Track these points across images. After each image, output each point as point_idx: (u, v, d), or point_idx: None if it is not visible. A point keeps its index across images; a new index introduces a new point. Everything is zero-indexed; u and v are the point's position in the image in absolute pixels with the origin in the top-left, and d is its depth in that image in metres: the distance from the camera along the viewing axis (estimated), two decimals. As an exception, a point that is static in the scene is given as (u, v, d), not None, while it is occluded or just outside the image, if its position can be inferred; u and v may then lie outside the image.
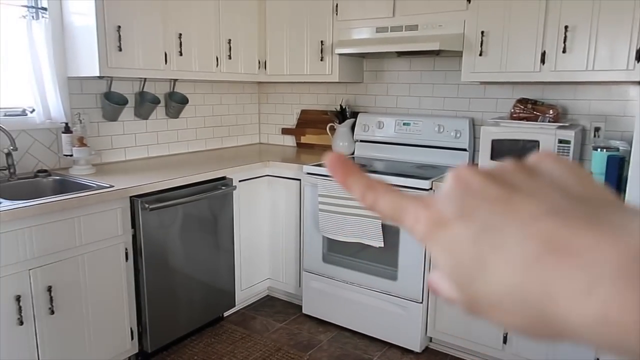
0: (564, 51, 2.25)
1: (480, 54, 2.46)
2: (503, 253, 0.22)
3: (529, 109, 2.47)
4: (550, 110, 2.42)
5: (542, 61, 2.31)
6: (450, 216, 0.24)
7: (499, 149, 2.48)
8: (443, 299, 0.26)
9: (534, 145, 2.37)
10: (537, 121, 2.42)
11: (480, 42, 2.46)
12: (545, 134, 2.34)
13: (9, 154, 2.28)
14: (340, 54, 2.97)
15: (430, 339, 2.64)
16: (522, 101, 2.51)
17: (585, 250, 0.20)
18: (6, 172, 2.30)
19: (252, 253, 3.01)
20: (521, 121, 2.45)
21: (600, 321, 0.19)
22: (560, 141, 2.31)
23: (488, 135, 2.50)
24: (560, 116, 2.46)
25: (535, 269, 0.20)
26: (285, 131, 3.73)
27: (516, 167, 0.26)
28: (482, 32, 2.45)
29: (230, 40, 3.05)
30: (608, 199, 0.23)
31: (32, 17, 2.41)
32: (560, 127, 2.33)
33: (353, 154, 3.27)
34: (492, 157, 2.50)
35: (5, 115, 2.39)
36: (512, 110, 2.53)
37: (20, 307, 1.89)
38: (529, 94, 2.62)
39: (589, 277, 0.19)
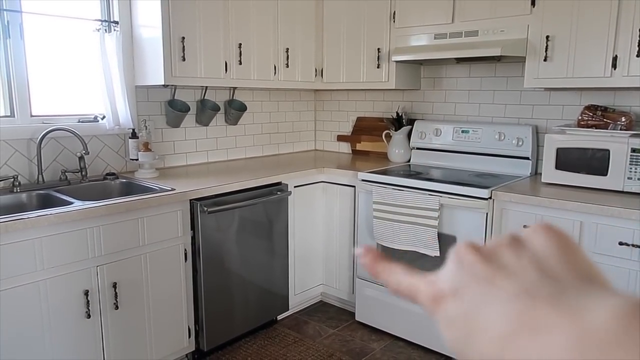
0: (638, 55, 2.11)
1: (545, 59, 2.36)
2: (486, 330, 0.24)
3: (599, 116, 2.34)
4: (623, 118, 2.29)
5: (614, 65, 2.19)
6: (446, 293, 0.27)
7: (565, 158, 2.36)
8: None
9: (603, 154, 2.24)
10: (607, 129, 2.29)
11: (545, 47, 2.36)
12: (616, 142, 2.21)
13: (81, 158, 2.44)
14: (397, 61, 2.95)
15: None
16: (591, 108, 2.38)
17: (545, 330, 0.22)
18: (79, 174, 2.46)
19: (306, 258, 3.03)
20: (590, 129, 2.33)
21: None
22: (634, 150, 2.17)
23: (553, 143, 2.39)
24: (633, 124, 2.31)
25: (510, 344, 0.23)
26: (340, 138, 3.74)
27: (507, 243, 0.28)
28: (547, 37, 2.35)
29: (287, 49, 3.10)
30: (586, 275, 0.25)
31: (105, 30, 2.57)
32: (633, 135, 2.19)
33: (409, 161, 3.22)
34: (557, 167, 2.39)
35: (79, 122, 2.55)
36: (580, 118, 2.40)
37: (88, 301, 2.00)
38: (599, 100, 2.48)
39: (545, 354, 0.21)
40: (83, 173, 2.47)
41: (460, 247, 0.28)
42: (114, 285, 2.08)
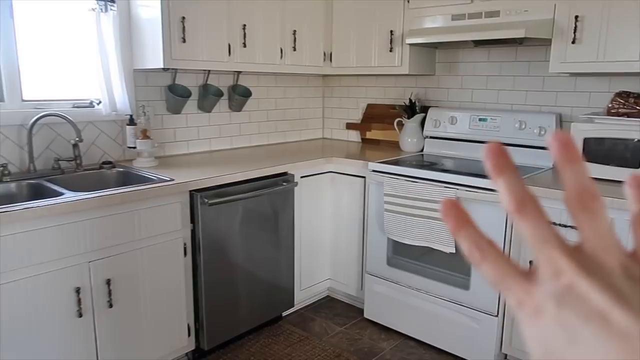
0: (678, 36, 1.93)
1: (574, 42, 2.18)
2: None
3: (631, 103, 2.16)
4: (657, 105, 2.10)
5: (650, 48, 2.00)
6: (548, 310, 0.25)
7: (593, 149, 2.19)
8: None
9: (636, 145, 2.07)
10: (640, 117, 2.11)
11: (573, 28, 2.17)
12: (650, 132, 2.03)
13: (75, 145, 2.30)
14: (411, 44, 2.77)
15: (505, 357, 2.39)
16: (623, 95, 2.20)
17: None
18: (73, 163, 2.32)
19: (313, 252, 2.89)
20: (621, 117, 2.15)
21: None
22: (670, 141, 1.99)
23: (580, 132, 2.22)
24: (669, 112, 2.13)
25: None
26: (350, 126, 3.57)
27: (623, 269, 0.24)
28: (576, 17, 2.17)
29: (295, 31, 2.93)
30: None
31: (101, 9, 2.41)
32: (669, 125, 2.01)
33: (422, 151, 3.06)
34: (584, 158, 2.21)
35: (74, 107, 2.41)
36: (610, 105, 2.22)
37: (79, 299, 1.88)
38: (630, 86, 2.30)
39: None
40: (77, 162, 2.33)
41: (554, 252, 0.25)
42: (108, 282, 1.95)
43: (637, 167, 2.08)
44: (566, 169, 0.27)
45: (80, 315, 1.89)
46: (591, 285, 0.24)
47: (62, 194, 1.91)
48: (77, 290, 1.87)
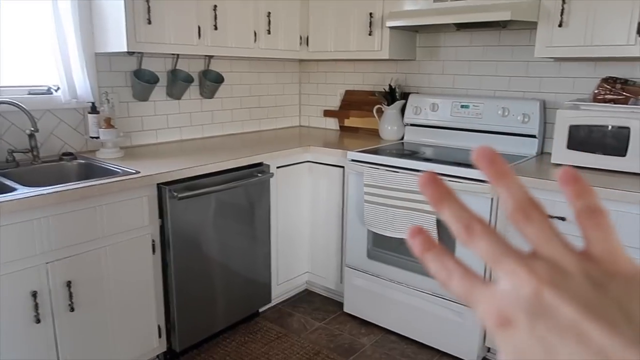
0: (668, 19, 1.86)
1: (560, 25, 2.09)
2: None
3: (618, 89, 2.10)
4: (645, 92, 2.04)
5: (639, 32, 1.93)
6: (520, 322, 0.24)
7: (578, 137, 2.12)
8: None
9: (622, 132, 2.00)
10: (627, 104, 2.05)
11: (560, 11, 2.09)
12: (638, 119, 1.96)
13: (31, 136, 2.12)
14: (391, 27, 2.65)
15: (489, 349, 2.34)
16: (609, 81, 2.13)
17: None
18: (29, 154, 2.14)
19: (291, 245, 2.78)
20: (607, 104, 2.08)
21: None
22: (657, 128, 1.93)
23: (565, 120, 2.15)
24: (656, 98, 2.07)
25: None
26: (327, 113, 3.45)
27: (586, 270, 0.25)
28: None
29: (269, 13, 2.78)
30: None
31: (58, -13, 2.22)
32: (656, 112, 1.95)
33: (402, 139, 2.96)
34: (569, 146, 2.15)
35: (29, 94, 2.22)
36: (596, 92, 2.15)
37: (36, 304, 1.72)
38: (616, 71, 2.23)
39: None
40: (34, 153, 2.15)
41: (513, 264, 0.26)
42: (68, 284, 1.80)
43: (624, 155, 2.02)
44: (499, 184, 0.28)
45: (39, 321, 1.74)
46: (559, 297, 0.24)
47: (14, 189, 1.75)
48: (34, 295, 1.72)
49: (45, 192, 1.71)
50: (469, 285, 0.28)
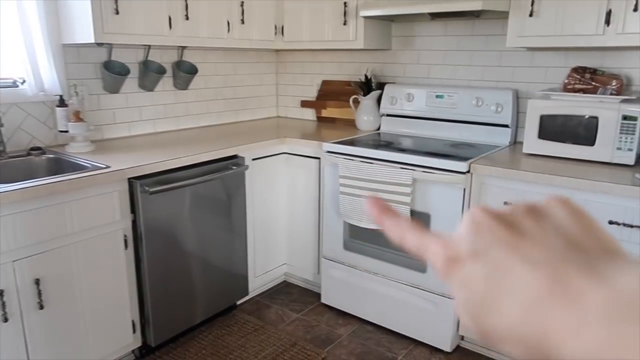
0: (635, 9, 1.87)
1: (531, 15, 2.10)
2: (510, 293, 0.24)
3: (587, 79, 2.12)
4: (613, 81, 2.06)
5: (607, 22, 1.94)
6: (465, 254, 0.27)
7: (549, 126, 2.14)
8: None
9: (591, 122, 2.03)
10: (596, 94, 2.07)
11: (531, 1, 2.09)
12: (606, 109, 1.99)
13: (-4, 130, 2.07)
14: (365, 17, 2.64)
15: (462, 338, 2.37)
16: (579, 70, 2.15)
17: (577, 295, 0.22)
18: (-5, 150, 2.09)
19: (268, 237, 2.77)
20: (577, 94, 2.10)
21: (586, 356, 0.21)
22: (625, 117, 1.96)
23: (536, 110, 2.16)
24: (624, 88, 2.10)
25: (536, 309, 0.23)
26: (304, 104, 3.43)
27: (526, 211, 0.28)
28: (534, -12, 2.08)
29: (242, 2, 2.74)
30: (608, 248, 0.26)
31: (21, -24, 2.15)
32: (624, 101, 1.98)
33: (379, 129, 2.96)
34: (540, 136, 2.17)
35: (-6, 87, 2.16)
36: (566, 81, 2.17)
37: (3, 303, 1.69)
38: (587, 61, 2.25)
39: (578, 319, 0.22)
40: (1, 148, 2.10)
41: (477, 211, 0.29)
42: (37, 282, 1.77)
43: (593, 145, 2.04)
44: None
45: (6, 320, 1.71)
46: (496, 222, 0.27)
47: (-22, 186, 1.70)
48: (1, 293, 1.69)
49: (10, 188, 1.67)
50: (420, 236, 0.30)
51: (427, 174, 2.16)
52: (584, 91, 2.12)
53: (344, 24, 2.72)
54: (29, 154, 2.19)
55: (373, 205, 0.34)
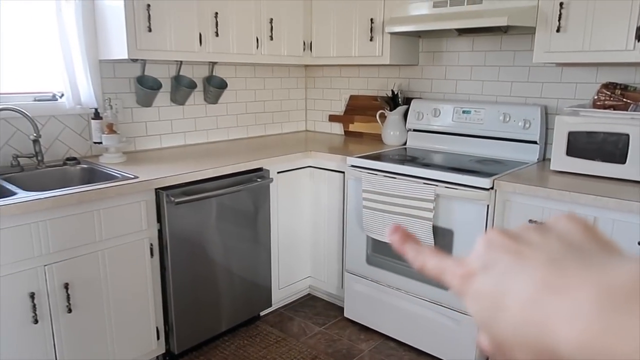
0: (667, 24, 1.82)
1: (558, 30, 2.07)
2: (513, 295, 0.25)
3: (618, 95, 2.06)
4: (645, 97, 2.00)
5: (638, 37, 1.89)
6: (477, 270, 0.29)
7: (577, 143, 2.09)
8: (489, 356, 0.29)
9: (622, 139, 1.97)
10: (627, 110, 2.01)
11: (558, 16, 2.06)
12: (637, 125, 1.93)
13: (35, 141, 2.18)
14: (391, 33, 2.65)
15: (487, 358, 2.31)
16: (609, 86, 2.09)
17: (571, 288, 0.23)
18: (34, 159, 2.21)
19: (292, 250, 2.80)
20: (607, 110, 2.05)
21: (581, 346, 0.22)
22: (657, 135, 1.89)
23: (564, 126, 2.12)
24: (657, 104, 2.03)
25: (535, 305, 0.24)
26: (332, 118, 3.46)
27: (533, 228, 0.30)
28: (561, 4, 2.05)
29: (272, 19, 2.81)
30: (608, 249, 0.27)
31: (64, -4, 2.28)
32: (657, 118, 1.91)
33: (405, 144, 2.95)
34: (569, 153, 2.12)
35: (35, 100, 2.29)
36: (596, 97, 2.12)
37: (34, 305, 1.78)
38: (618, 77, 2.19)
39: (572, 309, 0.22)
40: (38, 158, 2.22)
41: (491, 231, 0.30)
42: (66, 286, 1.85)
43: (624, 163, 1.98)
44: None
45: (36, 322, 1.79)
46: (506, 237, 0.29)
47: (15, 193, 1.80)
48: (32, 296, 1.77)
49: (43, 196, 1.76)
50: (441, 263, 0.32)
51: (450, 189, 2.14)
52: (615, 107, 2.06)
53: (370, 40, 2.75)
54: (64, 164, 2.30)
55: (395, 233, 0.35)
